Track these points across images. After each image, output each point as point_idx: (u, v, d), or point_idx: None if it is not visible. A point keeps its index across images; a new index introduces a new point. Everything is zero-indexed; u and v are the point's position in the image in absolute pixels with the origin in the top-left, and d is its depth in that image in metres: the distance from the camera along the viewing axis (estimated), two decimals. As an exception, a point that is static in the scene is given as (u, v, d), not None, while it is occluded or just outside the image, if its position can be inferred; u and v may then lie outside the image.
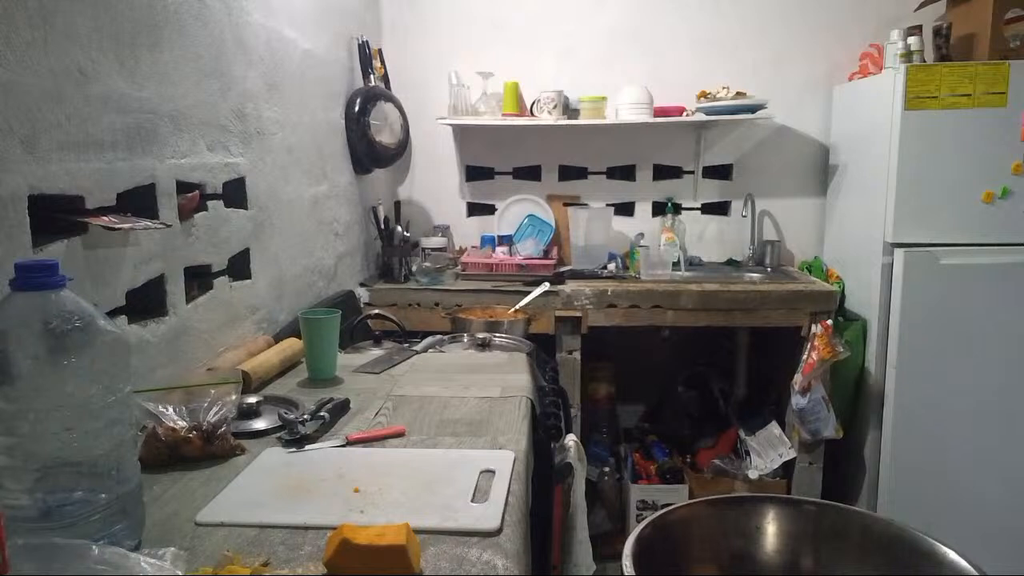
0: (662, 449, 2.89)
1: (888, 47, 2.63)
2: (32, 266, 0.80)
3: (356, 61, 2.71)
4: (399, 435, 1.26)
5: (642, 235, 3.10)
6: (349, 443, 1.22)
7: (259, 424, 1.30)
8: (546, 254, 2.96)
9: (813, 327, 2.53)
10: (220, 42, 1.67)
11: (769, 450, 2.71)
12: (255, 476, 1.09)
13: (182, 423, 1.14)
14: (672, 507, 1.16)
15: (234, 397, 1.19)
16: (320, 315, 1.59)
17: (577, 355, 2.65)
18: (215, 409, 1.16)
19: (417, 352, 1.84)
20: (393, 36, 3.10)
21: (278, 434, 1.25)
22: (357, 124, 2.60)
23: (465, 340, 2.04)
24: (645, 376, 3.22)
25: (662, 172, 3.17)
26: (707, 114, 2.86)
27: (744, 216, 3.09)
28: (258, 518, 0.95)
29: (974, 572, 0.95)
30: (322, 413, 1.29)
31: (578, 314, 2.62)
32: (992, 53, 2.47)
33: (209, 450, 1.15)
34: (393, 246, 2.78)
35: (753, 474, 2.69)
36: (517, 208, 3.12)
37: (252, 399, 1.35)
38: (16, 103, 1.04)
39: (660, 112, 2.88)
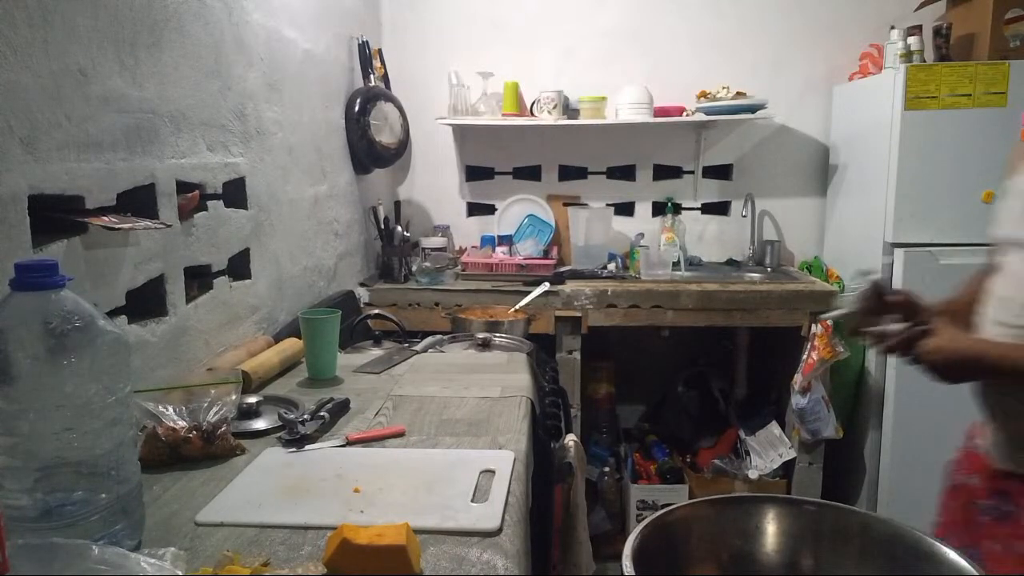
0: (662, 449, 2.89)
1: (888, 47, 2.64)
2: (32, 266, 0.79)
3: (356, 61, 2.71)
4: (399, 435, 1.26)
5: (642, 235, 3.10)
6: (349, 443, 1.22)
7: (259, 424, 1.30)
8: (546, 254, 2.96)
9: (813, 327, 2.53)
10: (220, 42, 1.67)
11: (769, 450, 2.71)
12: (255, 476, 1.09)
13: (182, 423, 1.14)
14: (672, 507, 1.16)
15: (234, 397, 1.19)
16: (320, 315, 1.59)
17: (577, 355, 2.65)
18: (215, 409, 1.16)
19: (417, 352, 1.83)
20: (393, 36, 3.10)
21: (278, 434, 1.25)
22: (357, 124, 2.60)
23: (465, 340, 2.04)
24: (645, 376, 3.22)
25: (662, 172, 3.17)
26: (707, 114, 2.86)
27: (744, 216, 3.09)
28: (258, 518, 0.95)
29: (974, 572, 0.94)
30: (322, 413, 1.29)
31: (578, 314, 2.62)
32: (992, 53, 2.47)
33: (209, 450, 1.15)
34: (393, 246, 2.78)
35: (753, 474, 2.69)
36: (517, 208, 3.12)
37: (252, 399, 1.35)
38: (16, 103, 1.04)
39: (660, 112, 2.88)
